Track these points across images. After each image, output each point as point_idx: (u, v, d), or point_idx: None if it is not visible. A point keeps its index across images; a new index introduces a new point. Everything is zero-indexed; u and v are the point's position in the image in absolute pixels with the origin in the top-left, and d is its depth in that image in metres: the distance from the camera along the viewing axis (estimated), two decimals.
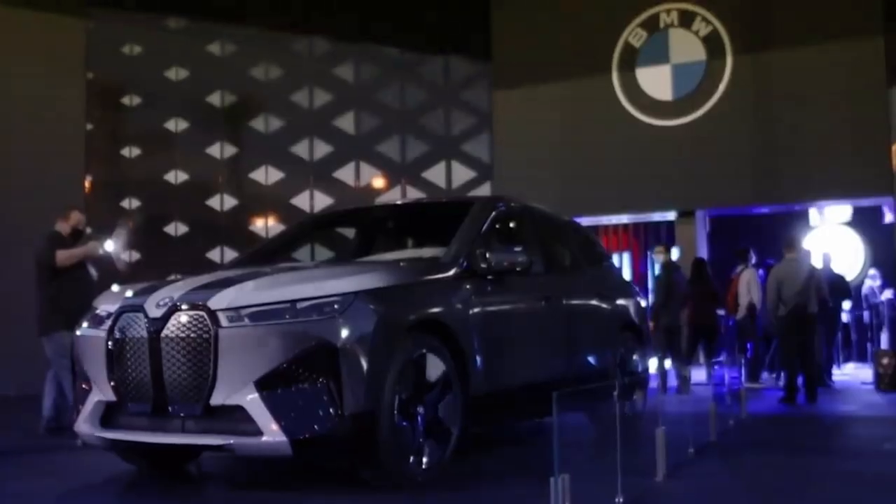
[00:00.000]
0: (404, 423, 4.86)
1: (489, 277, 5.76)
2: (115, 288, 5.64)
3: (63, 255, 8.04)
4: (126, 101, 15.16)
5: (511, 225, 6.71)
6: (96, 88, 14.86)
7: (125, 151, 15.11)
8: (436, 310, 5.22)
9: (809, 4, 13.01)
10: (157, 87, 15.13)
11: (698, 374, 12.37)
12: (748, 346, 12.59)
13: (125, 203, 15.02)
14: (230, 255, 14.29)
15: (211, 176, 15.21)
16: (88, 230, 8.89)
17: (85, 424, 5.15)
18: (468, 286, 5.57)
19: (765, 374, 13.14)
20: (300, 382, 4.55)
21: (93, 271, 8.31)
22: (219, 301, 4.72)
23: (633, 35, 13.98)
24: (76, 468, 6.11)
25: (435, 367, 5.09)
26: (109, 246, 8.68)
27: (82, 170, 14.34)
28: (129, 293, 5.22)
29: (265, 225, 15.12)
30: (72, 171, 14.14)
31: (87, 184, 14.49)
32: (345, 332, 4.60)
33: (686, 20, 13.66)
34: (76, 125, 14.32)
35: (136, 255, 14.20)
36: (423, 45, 15.23)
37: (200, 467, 5.89)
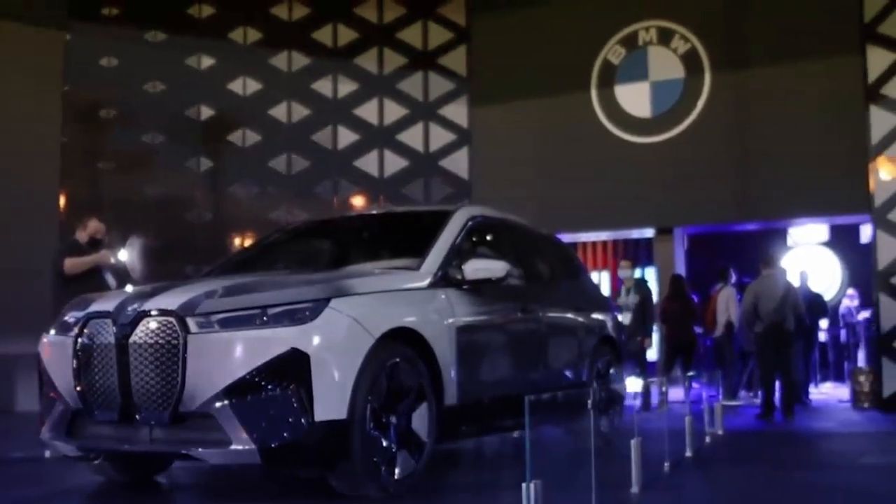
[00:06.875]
0: (376, 433, 4.79)
1: (465, 287, 5.70)
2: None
3: (70, 263, 8.09)
4: (103, 114, 15.03)
5: (487, 236, 6.67)
6: (73, 101, 14.74)
7: (101, 165, 14.97)
8: (410, 319, 5.15)
9: (786, 23, 13.01)
10: (135, 100, 15.02)
11: (676, 392, 12.32)
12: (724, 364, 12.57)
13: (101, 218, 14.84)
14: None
15: (188, 190, 15.09)
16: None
17: (51, 433, 5.06)
18: (443, 296, 5.52)
19: (742, 392, 13.14)
20: (270, 390, 4.46)
21: (111, 281, 8.25)
22: (188, 306, 4.64)
23: (612, 52, 14.00)
24: (41, 479, 5.99)
25: (408, 377, 5.02)
26: (123, 255, 8.63)
27: (57, 184, 14.20)
28: (97, 300, 5.14)
29: (242, 240, 14.98)
30: (47, 185, 14.00)
31: (62, 198, 14.35)
32: (316, 339, 4.53)
33: (665, 38, 13.69)
34: (51, 139, 14.19)
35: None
36: (402, 61, 15.20)
37: (170, 477, 5.78)
